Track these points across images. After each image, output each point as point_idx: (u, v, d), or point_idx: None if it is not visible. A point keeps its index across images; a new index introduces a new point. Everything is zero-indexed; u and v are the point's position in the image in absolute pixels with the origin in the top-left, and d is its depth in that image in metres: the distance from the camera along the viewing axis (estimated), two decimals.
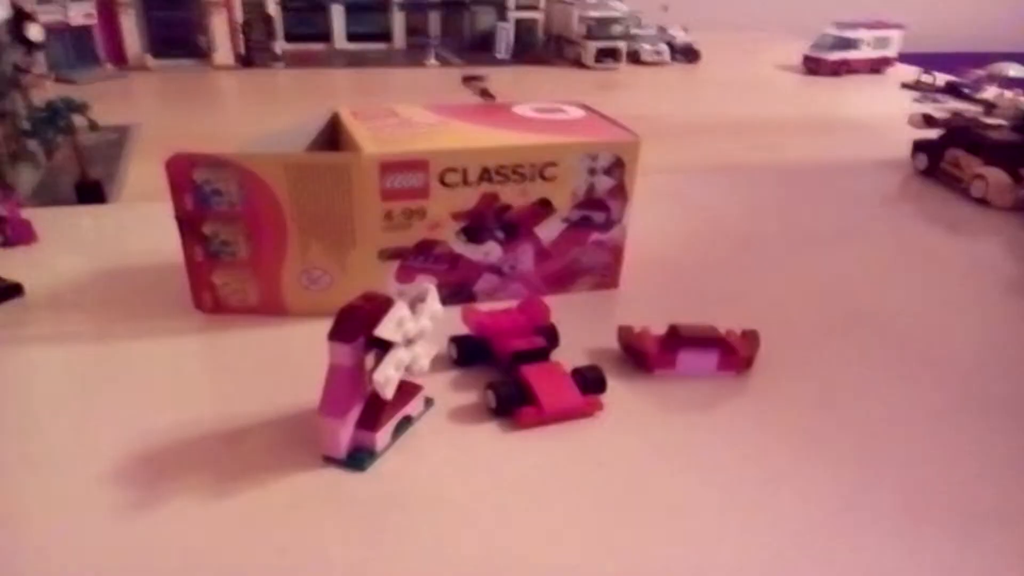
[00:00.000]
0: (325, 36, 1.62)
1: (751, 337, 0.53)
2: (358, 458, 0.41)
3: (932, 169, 0.93)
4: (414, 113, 0.60)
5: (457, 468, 0.42)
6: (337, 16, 1.63)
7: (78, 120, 0.79)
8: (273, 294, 0.55)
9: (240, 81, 1.42)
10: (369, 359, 0.41)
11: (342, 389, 0.40)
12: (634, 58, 1.65)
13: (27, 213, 0.68)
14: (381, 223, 0.53)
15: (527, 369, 0.47)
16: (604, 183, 0.57)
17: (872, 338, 0.57)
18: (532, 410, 0.45)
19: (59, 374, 0.50)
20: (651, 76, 1.60)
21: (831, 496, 0.41)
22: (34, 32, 0.94)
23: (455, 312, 0.52)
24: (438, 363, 0.48)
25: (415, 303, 0.42)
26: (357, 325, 0.40)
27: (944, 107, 1.35)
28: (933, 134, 0.95)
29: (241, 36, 1.49)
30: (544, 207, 0.57)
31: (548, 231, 0.58)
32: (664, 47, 1.67)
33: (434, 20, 1.70)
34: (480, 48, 1.70)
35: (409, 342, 0.42)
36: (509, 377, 0.47)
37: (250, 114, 1.22)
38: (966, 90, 1.45)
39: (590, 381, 0.47)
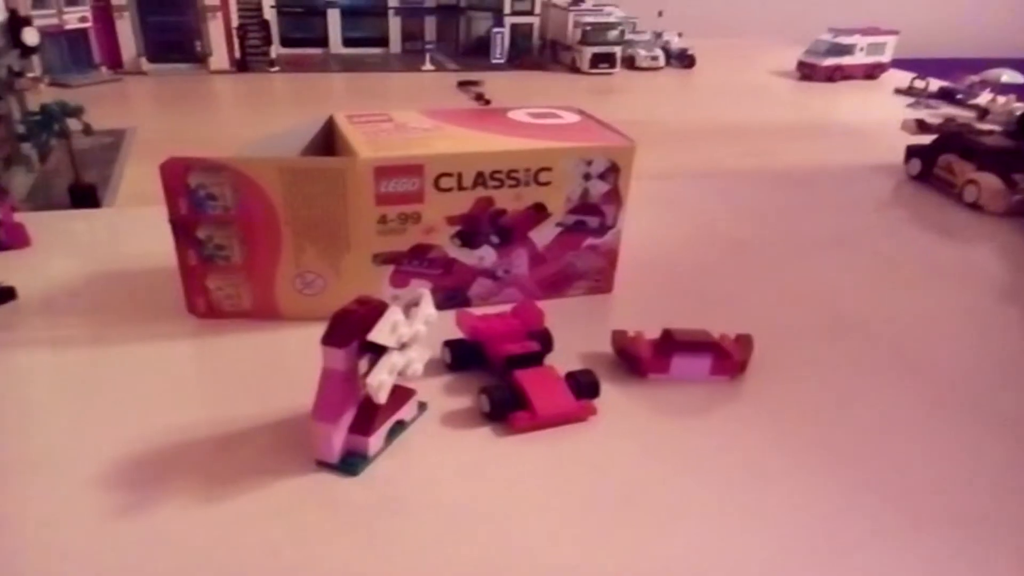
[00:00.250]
0: (321, 41, 1.63)
1: (745, 341, 0.53)
2: (351, 463, 0.41)
3: (925, 174, 0.94)
4: (409, 118, 0.60)
5: (450, 472, 0.42)
6: (333, 21, 1.63)
7: (73, 124, 0.79)
8: (267, 298, 0.55)
9: (236, 86, 1.43)
10: (363, 363, 0.41)
11: (335, 393, 0.40)
12: (629, 63, 1.66)
13: (21, 217, 0.68)
14: (376, 227, 0.53)
15: (521, 373, 0.47)
16: (599, 188, 0.57)
17: (865, 342, 0.57)
18: (525, 414, 0.45)
19: (52, 378, 0.50)
20: (646, 81, 1.61)
21: (825, 499, 0.41)
22: (29, 36, 0.94)
23: (449, 316, 0.52)
24: (432, 367, 0.48)
25: (409, 307, 0.42)
26: (351, 329, 0.40)
27: (937, 112, 1.36)
28: (926, 139, 0.96)
29: (237, 41, 1.49)
30: (539, 212, 0.57)
31: (542, 236, 0.58)
32: (659, 52, 1.68)
33: (430, 25, 1.71)
34: (476, 53, 1.71)
35: (403, 346, 0.42)
36: (503, 381, 0.47)
37: (245, 119, 1.23)
38: (959, 95, 1.45)
39: (584, 386, 0.47)
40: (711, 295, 0.64)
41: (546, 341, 0.52)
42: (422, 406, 0.47)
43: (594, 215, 0.58)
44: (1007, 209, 0.84)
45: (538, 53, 1.63)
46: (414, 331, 0.42)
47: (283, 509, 0.39)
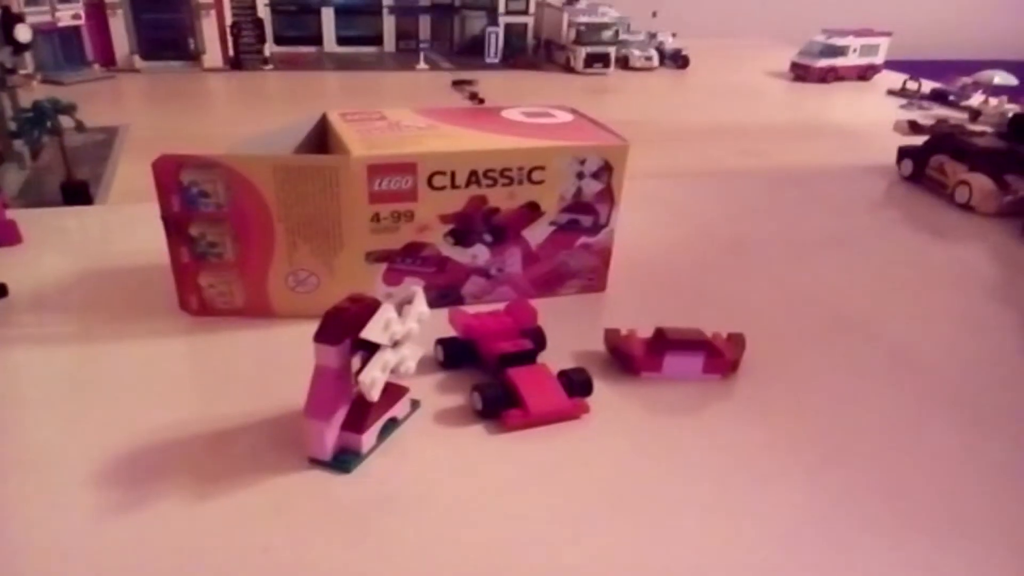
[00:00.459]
0: (315, 39, 1.63)
1: (737, 340, 0.53)
2: (344, 460, 0.41)
3: (917, 175, 0.94)
4: (403, 116, 0.60)
5: (443, 470, 0.42)
6: (327, 19, 1.63)
7: (65, 121, 0.79)
8: (260, 296, 0.55)
9: (229, 83, 1.42)
10: (355, 361, 0.41)
11: (328, 391, 0.40)
12: (623, 63, 1.66)
13: (12, 213, 0.68)
14: (369, 225, 0.53)
15: (513, 372, 0.47)
16: (592, 187, 0.57)
17: (857, 342, 0.58)
18: (518, 412, 0.45)
19: (43, 376, 0.49)
20: (640, 81, 1.61)
21: (817, 498, 0.41)
22: (22, 33, 0.94)
23: (442, 314, 0.52)
24: (424, 365, 0.48)
25: (402, 305, 0.42)
26: (344, 327, 0.40)
27: (930, 113, 1.36)
28: (919, 140, 0.96)
29: (231, 39, 1.49)
30: (532, 210, 0.57)
31: (536, 234, 0.58)
32: (653, 52, 1.68)
33: (424, 24, 1.71)
34: (470, 52, 1.70)
35: (396, 344, 0.42)
36: (495, 379, 0.47)
37: (239, 116, 1.22)
38: (952, 97, 1.46)
39: (576, 384, 0.48)
40: (704, 294, 0.64)
41: (539, 339, 0.52)
42: (415, 404, 0.47)
43: (587, 214, 0.58)
44: (998, 210, 0.84)
45: (532, 53, 1.63)
46: (407, 329, 0.42)
47: (276, 506, 0.39)
